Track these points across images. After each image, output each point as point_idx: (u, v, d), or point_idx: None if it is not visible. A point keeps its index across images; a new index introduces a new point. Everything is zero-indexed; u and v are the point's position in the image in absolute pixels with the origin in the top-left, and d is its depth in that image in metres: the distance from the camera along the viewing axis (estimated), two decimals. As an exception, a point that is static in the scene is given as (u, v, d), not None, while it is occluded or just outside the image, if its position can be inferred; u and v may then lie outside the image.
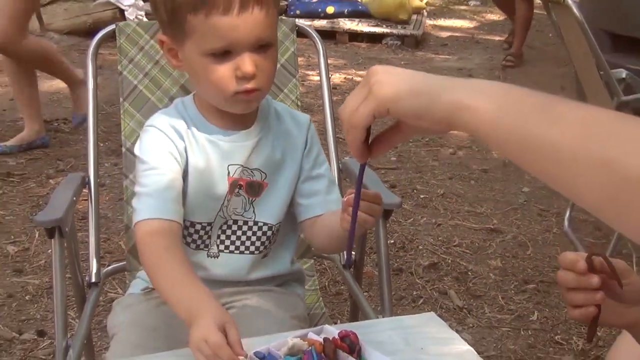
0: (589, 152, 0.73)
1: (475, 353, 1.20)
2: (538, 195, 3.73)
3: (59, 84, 5.57)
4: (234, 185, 1.44)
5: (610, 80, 2.85)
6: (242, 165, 1.44)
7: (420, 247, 3.11)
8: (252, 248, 1.49)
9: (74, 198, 1.66)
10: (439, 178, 3.90)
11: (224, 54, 1.30)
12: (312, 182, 1.52)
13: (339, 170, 1.97)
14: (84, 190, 1.82)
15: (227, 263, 1.49)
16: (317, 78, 5.40)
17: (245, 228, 1.48)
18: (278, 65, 1.99)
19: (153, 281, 1.36)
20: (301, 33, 2.05)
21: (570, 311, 1.13)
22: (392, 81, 0.93)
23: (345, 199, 1.28)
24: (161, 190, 1.36)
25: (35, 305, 2.59)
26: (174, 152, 1.40)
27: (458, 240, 3.18)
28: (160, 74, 1.96)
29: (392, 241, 3.10)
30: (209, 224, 1.46)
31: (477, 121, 0.84)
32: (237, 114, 1.42)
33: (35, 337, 2.40)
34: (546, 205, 3.60)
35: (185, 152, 1.41)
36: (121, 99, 1.94)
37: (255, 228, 1.48)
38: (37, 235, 3.05)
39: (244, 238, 1.48)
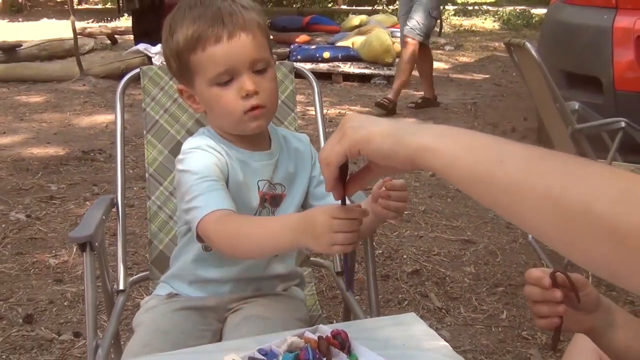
0: (533, 186, 0.71)
1: (450, 348, 1.17)
2: (505, 211, 3.71)
3: (95, 120, 5.60)
4: (263, 199, 1.44)
5: (565, 112, 2.85)
6: (268, 181, 1.44)
7: (405, 256, 3.08)
8: None
9: (104, 217, 1.64)
10: (420, 197, 3.89)
11: (228, 81, 1.32)
12: (322, 187, 1.48)
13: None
14: (114, 209, 1.81)
15: (249, 262, 1.47)
16: (313, 113, 5.44)
17: None
18: (279, 102, 2.01)
19: (240, 244, 1.27)
20: (299, 75, 2.04)
21: (537, 321, 1.11)
22: (363, 125, 0.92)
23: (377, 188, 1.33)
24: (217, 190, 1.31)
25: (73, 310, 2.57)
26: (220, 165, 1.36)
27: (437, 249, 3.16)
28: (178, 110, 1.95)
29: (380, 251, 3.08)
30: None
31: (438, 161, 0.83)
32: (253, 137, 1.41)
33: (72, 337, 2.37)
34: (512, 219, 3.58)
35: (227, 166, 1.38)
36: (145, 132, 1.94)
37: None
38: (75, 250, 3.03)
39: None
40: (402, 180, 1.33)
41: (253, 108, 1.33)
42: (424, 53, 6.12)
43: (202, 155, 1.36)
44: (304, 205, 1.52)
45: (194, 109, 1.46)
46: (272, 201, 1.46)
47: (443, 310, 2.61)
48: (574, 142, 2.88)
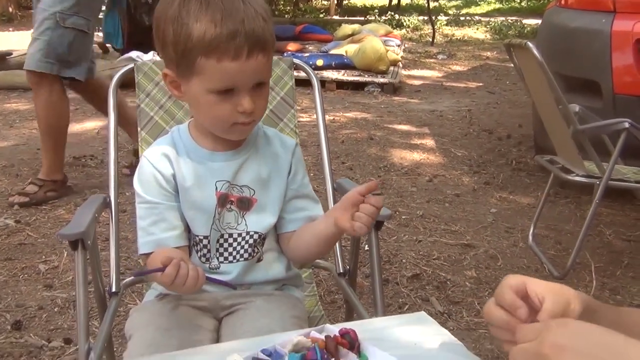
0: None
1: (464, 347, 1.11)
2: (504, 215, 3.65)
3: (86, 125, 5.52)
4: (224, 200, 1.39)
5: (568, 113, 2.80)
6: (229, 182, 1.40)
7: (404, 260, 3.01)
8: (246, 255, 1.43)
9: (96, 215, 1.57)
10: (418, 201, 3.82)
11: (227, 91, 1.27)
12: (298, 201, 1.47)
13: (334, 190, 1.89)
14: (107, 209, 1.74)
15: (227, 271, 1.42)
16: (309, 120, 5.39)
17: (239, 239, 1.42)
18: (278, 98, 1.95)
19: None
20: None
21: (505, 346, 0.93)
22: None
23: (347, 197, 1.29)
24: (154, 223, 1.36)
25: (63, 317, 2.48)
26: (162, 182, 1.37)
27: (437, 254, 3.09)
28: (174, 107, 1.89)
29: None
30: (206, 237, 1.41)
31: None
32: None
33: (62, 344, 2.28)
34: (512, 223, 3.53)
35: (174, 177, 1.38)
36: (139, 129, 1.87)
37: (247, 237, 1.42)
38: (65, 255, 2.95)
39: (238, 247, 1.42)
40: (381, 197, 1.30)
41: (244, 123, 1.31)
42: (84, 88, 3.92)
43: (145, 172, 1.39)
44: None
45: (175, 95, 1.38)
46: (239, 204, 1.41)
47: (445, 315, 2.54)
48: (576, 144, 2.84)
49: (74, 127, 5.48)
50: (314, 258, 1.78)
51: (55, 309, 2.53)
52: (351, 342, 1.05)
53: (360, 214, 1.25)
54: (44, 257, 2.97)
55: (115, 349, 1.94)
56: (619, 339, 0.71)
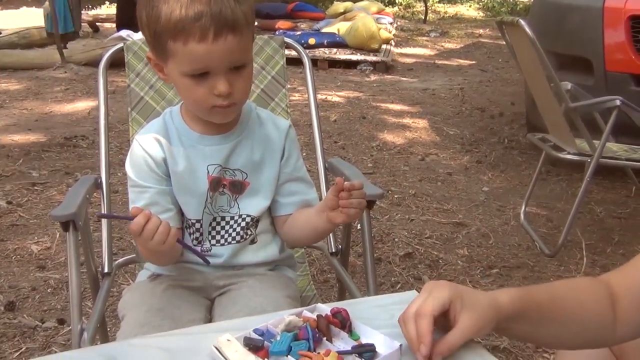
0: None
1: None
2: (496, 194, 3.66)
3: (77, 106, 5.48)
4: (217, 184, 1.39)
5: (560, 90, 2.80)
6: (220, 165, 1.38)
7: (396, 239, 3.02)
8: (238, 237, 1.42)
9: (87, 196, 1.57)
10: (410, 180, 3.83)
11: (202, 74, 1.24)
12: (292, 184, 1.45)
13: (325, 169, 1.89)
14: (98, 190, 1.73)
15: (219, 254, 1.42)
16: (301, 99, 5.36)
17: (232, 222, 1.42)
18: (269, 77, 1.94)
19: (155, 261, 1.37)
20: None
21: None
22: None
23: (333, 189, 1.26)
24: (146, 207, 1.33)
25: (56, 297, 2.48)
26: (153, 166, 1.37)
27: (429, 232, 3.11)
28: (164, 87, 1.88)
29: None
30: (198, 220, 1.40)
31: None
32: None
33: (56, 325, 2.28)
34: (504, 201, 3.54)
35: (165, 162, 1.37)
36: (129, 109, 1.86)
37: (240, 220, 1.42)
38: (57, 236, 2.94)
39: (230, 230, 1.42)
40: (360, 180, 1.30)
41: (223, 106, 1.29)
42: None
43: (136, 157, 1.38)
44: None
45: (161, 78, 1.38)
46: (231, 187, 1.40)
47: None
48: (568, 122, 2.84)
49: (65, 108, 5.45)
50: (309, 244, 1.78)
51: (49, 290, 2.53)
52: (343, 321, 1.05)
53: (349, 207, 1.26)
54: (36, 238, 2.96)
55: (108, 330, 1.95)
56: None
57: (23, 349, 2.15)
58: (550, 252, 2.87)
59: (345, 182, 1.24)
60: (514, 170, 4.06)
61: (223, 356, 0.94)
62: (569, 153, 2.87)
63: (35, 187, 3.57)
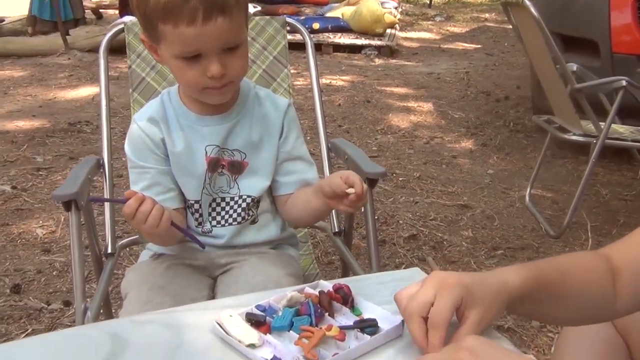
0: None
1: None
2: (501, 176, 3.65)
3: (81, 92, 5.48)
4: (215, 165, 1.38)
5: (565, 71, 2.78)
6: (219, 146, 1.37)
7: (401, 221, 3.02)
8: (239, 219, 1.42)
9: (89, 176, 1.57)
10: (415, 163, 3.82)
11: (194, 56, 1.22)
12: (290, 163, 1.44)
13: (328, 149, 1.88)
14: (101, 173, 1.73)
15: (220, 234, 1.42)
16: (305, 84, 5.35)
17: (232, 203, 1.41)
18: (271, 58, 1.93)
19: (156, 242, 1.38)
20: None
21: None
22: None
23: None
24: (147, 187, 1.35)
25: (62, 280, 2.49)
26: (151, 147, 1.36)
27: (434, 215, 3.10)
28: (166, 67, 1.86)
29: (375, 217, 3.00)
30: (197, 201, 1.40)
31: None
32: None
33: (62, 306, 2.29)
34: (509, 184, 3.53)
35: (163, 142, 1.37)
36: (131, 90, 1.86)
37: (240, 201, 1.41)
38: (62, 220, 2.95)
39: (231, 212, 1.41)
40: (359, 179, 1.22)
41: (217, 87, 1.27)
42: None
43: (135, 137, 1.37)
44: None
45: (156, 60, 1.36)
46: (230, 167, 1.39)
47: (441, 274, 2.55)
48: (573, 103, 2.82)
49: (69, 94, 5.45)
50: (310, 224, 1.77)
51: (54, 273, 2.54)
52: (345, 297, 1.05)
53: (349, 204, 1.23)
54: (41, 222, 2.97)
55: (113, 311, 1.95)
56: (521, 356, 0.79)
57: (29, 330, 2.16)
58: (555, 234, 2.86)
59: (352, 195, 1.20)
60: (520, 153, 4.04)
61: (225, 331, 0.94)
62: (574, 134, 2.86)
63: (40, 172, 3.58)
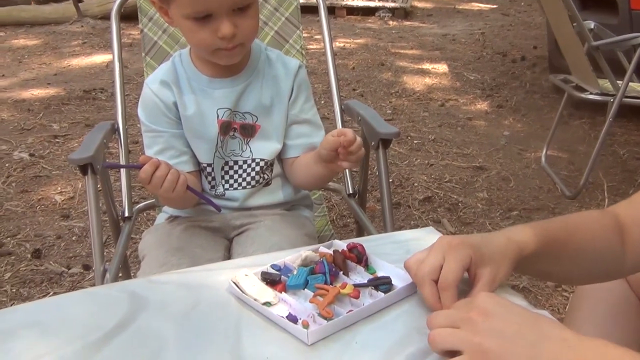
0: None
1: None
2: (517, 138, 3.62)
3: (94, 59, 5.48)
4: (227, 128, 1.37)
5: (582, 30, 2.73)
6: (230, 109, 1.37)
7: (416, 184, 3.01)
8: (253, 182, 1.42)
9: (104, 140, 1.57)
10: (430, 126, 3.79)
11: (205, 17, 1.21)
12: (297, 126, 1.43)
13: (342, 112, 1.87)
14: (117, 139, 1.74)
15: (233, 197, 1.42)
16: (318, 47, 5.30)
17: (245, 166, 1.41)
18: (283, 19, 1.91)
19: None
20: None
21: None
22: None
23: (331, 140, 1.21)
24: (161, 151, 1.36)
25: (81, 245, 2.53)
26: (164, 110, 1.36)
27: (449, 177, 3.09)
28: (178, 30, 1.85)
29: (390, 180, 3.00)
30: (209, 165, 1.40)
31: None
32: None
33: (81, 270, 2.34)
34: (525, 145, 3.50)
35: (175, 106, 1.36)
36: (143, 54, 1.85)
37: (253, 164, 1.41)
38: (80, 186, 2.98)
39: (244, 175, 1.41)
40: (351, 130, 1.21)
41: (228, 48, 1.26)
42: None
43: (147, 101, 1.38)
44: None
45: (167, 22, 1.35)
46: (242, 130, 1.38)
47: (456, 233, 2.56)
48: (590, 62, 2.77)
49: (83, 61, 5.46)
50: (313, 188, 1.77)
51: (73, 238, 2.58)
52: (359, 255, 1.05)
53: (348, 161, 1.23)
54: (59, 188, 3.01)
55: (132, 275, 1.98)
56: (537, 314, 0.77)
57: (51, 293, 2.20)
58: (571, 194, 2.84)
59: (341, 137, 1.19)
60: (536, 114, 4.00)
61: (241, 290, 0.95)
62: (591, 93, 2.82)
63: (57, 140, 3.61)
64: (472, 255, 0.89)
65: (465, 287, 0.90)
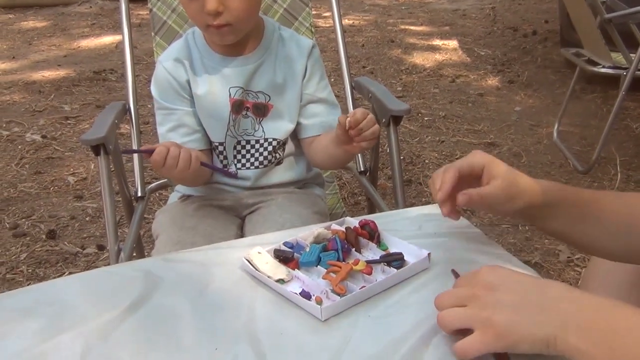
0: None
1: (484, 235, 1.11)
2: (529, 113, 3.59)
3: (104, 40, 5.48)
4: (239, 107, 1.37)
5: (595, 2, 2.69)
6: (242, 88, 1.36)
7: (427, 161, 3.01)
8: (265, 162, 1.42)
9: (116, 121, 1.58)
10: (440, 103, 3.77)
11: None
12: (313, 105, 1.42)
13: (352, 89, 1.86)
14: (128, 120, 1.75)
15: (245, 176, 1.43)
16: (327, 25, 5.26)
17: (257, 146, 1.41)
18: (291, -5, 1.89)
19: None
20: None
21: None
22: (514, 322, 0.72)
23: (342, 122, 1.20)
24: (173, 129, 1.36)
25: (95, 225, 2.55)
26: (177, 88, 1.36)
27: (460, 153, 3.08)
28: (187, 9, 1.85)
29: (401, 157, 3.00)
30: (221, 143, 1.40)
31: None
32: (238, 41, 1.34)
33: (96, 250, 2.36)
34: (536, 120, 3.47)
35: (188, 84, 1.37)
36: (153, 34, 1.85)
37: (265, 144, 1.41)
38: (92, 167, 3.00)
39: (257, 154, 1.41)
40: (362, 109, 1.20)
41: (216, 26, 1.25)
42: None
43: (160, 79, 1.37)
44: None
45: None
46: (255, 110, 1.38)
47: (468, 212, 2.55)
48: (603, 35, 2.73)
49: (92, 42, 5.46)
50: (334, 169, 1.77)
51: (87, 219, 2.60)
52: (371, 232, 1.06)
53: (362, 140, 1.21)
54: (72, 169, 3.03)
55: (146, 254, 2.00)
56: (540, 279, 0.77)
57: (66, 273, 2.23)
58: (584, 169, 2.83)
59: (348, 119, 1.18)
60: (547, 89, 3.96)
61: (254, 267, 0.96)
62: (603, 67, 2.79)
63: (68, 121, 3.62)
64: (486, 161, 0.97)
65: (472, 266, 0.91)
